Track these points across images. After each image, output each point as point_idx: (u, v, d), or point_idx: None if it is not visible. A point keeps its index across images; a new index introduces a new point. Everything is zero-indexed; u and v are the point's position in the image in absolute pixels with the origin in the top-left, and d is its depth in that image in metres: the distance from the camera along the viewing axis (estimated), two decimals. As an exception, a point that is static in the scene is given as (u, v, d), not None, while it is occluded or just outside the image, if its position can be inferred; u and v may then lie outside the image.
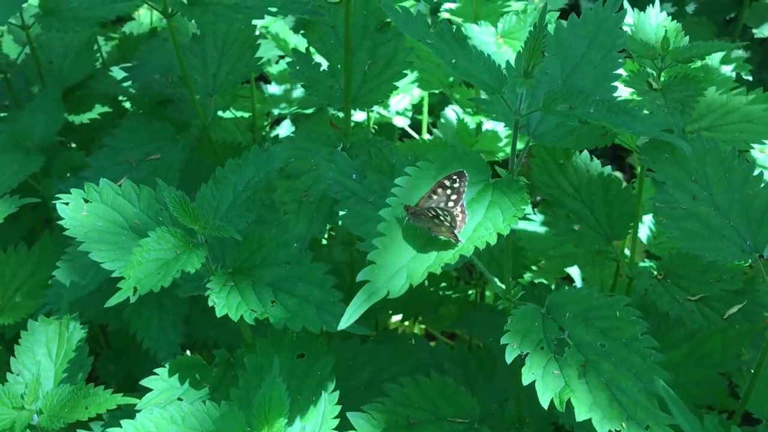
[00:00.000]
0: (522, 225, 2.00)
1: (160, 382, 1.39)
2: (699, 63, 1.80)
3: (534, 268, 2.09)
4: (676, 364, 1.39)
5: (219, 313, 1.26)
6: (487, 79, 1.04)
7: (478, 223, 1.04)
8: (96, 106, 2.39)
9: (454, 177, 1.05)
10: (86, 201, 1.38)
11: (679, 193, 1.32)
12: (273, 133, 2.37)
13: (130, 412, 1.34)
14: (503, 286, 1.24)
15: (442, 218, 1.01)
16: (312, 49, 1.65)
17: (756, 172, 1.30)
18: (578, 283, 2.13)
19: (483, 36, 1.77)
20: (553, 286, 2.01)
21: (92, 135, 2.42)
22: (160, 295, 1.64)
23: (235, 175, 1.35)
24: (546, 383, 1.08)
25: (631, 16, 1.68)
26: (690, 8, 2.76)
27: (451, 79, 2.05)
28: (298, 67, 1.61)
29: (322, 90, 1.59)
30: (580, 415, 1.06)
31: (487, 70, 1.04)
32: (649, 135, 1.00)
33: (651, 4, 1.67)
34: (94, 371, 1.94)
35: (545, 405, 1.07)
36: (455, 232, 1.02)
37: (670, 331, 1.44)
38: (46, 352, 1.44)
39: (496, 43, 1.79)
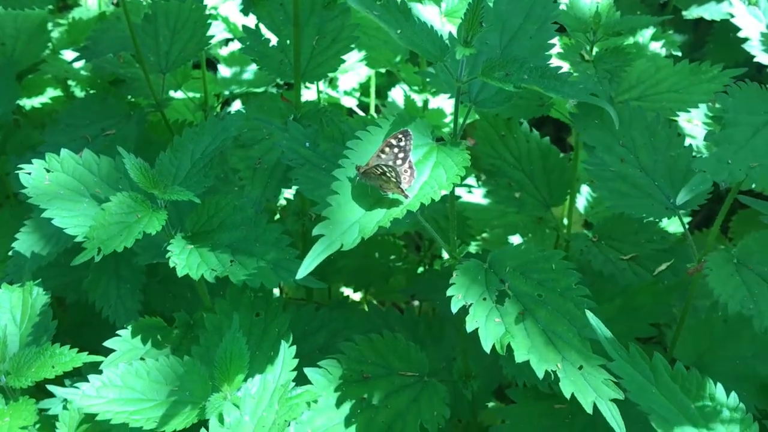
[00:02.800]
0: (467, 197, 2.09)
1: (123, 343, 1.44)
2: (631, 40, 1.91)
3: (478, 239, 2.18)
4: (610, 318, 1.48)
5: (180, 273, 1.32)
6: (430, 48, 1.12)
7: (424, 182, 1.12)
8: (47, 90, 2.42)
9: (399, 136, 1.13)
10: (48, 171, 1.43)
11: (608, 156, 1.42)
12: (224, 113, 2.42)
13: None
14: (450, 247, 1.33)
15: (388, 175, 1.08)
16: (261, 26, 1.71)
17: (677, 135, 1.41)
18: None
19: (427, 15, 1.85)
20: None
21: (43, 119, 2.45)
22: (117, 266, 1.71)
23: (192, 143, 1.42)
24: (488, 330, 1.17)
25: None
26: (625, -8, 2.87)
27: (398, 58, 2.12)
28: (248, 43, 1.67)
29: (273, 65, 1.65)
30: (519, 357, 1.14)
31: (431, 40, 1.12)
32: (576, 98, 1.09)
33: (586, -17, 1.77)
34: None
35: (487, 349, 1.16)
36: (403, 186, 1.10)
37: (604, 286, 1.54)
38: (10, 317, 1.48)
39: (439, 21, 1.86)
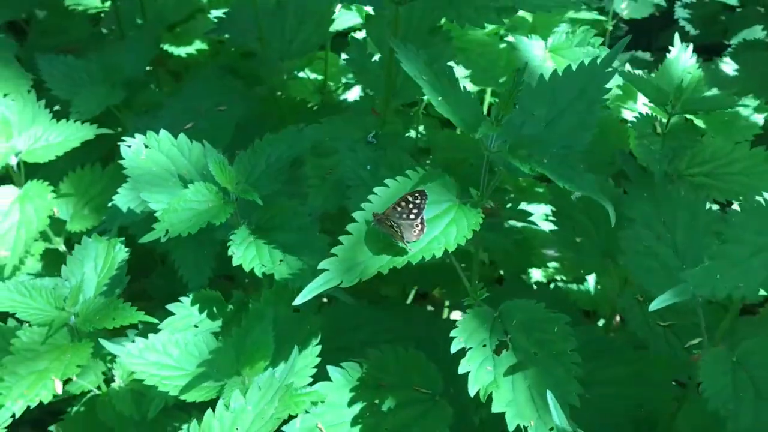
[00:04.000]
0: (542, 224, 2.17)
1: (183, 308, 1.62)
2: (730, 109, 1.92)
3: (550, 267, 2.25)
4: (622, 378, 1.56)
5: (235, 263, 1.49)
6: (467, 118, 1.22)
7: (433, 237, 1.23)
8: (195, 42, 2.62)
9: (416, 194, 1.25)
10: (146, 146, 1.62)
11: (645, 231, 1.48)
12: (342, 97, 2.57)
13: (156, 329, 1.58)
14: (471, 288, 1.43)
15: (396, 229, 1.21)
16: (369, 41, 1.84)
17: (717, 224, 1.45)
18: (591, 285, 2.28)
19: (532, 49, 1.92)
20: (575, 286, 2.19)
21: (187, 66, 2.67)
22: (199, 233, 1.90)
23: (270, 148, 1.57)
24: (478, 376, 1.28)
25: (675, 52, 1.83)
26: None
27: (502, 80, 2.20)
28: (353, 55, 1.80)
29: (370, 79, 1.78)
30: (496, 408, 1.24)
31: (470, 110, 1.22)
32: (585, 193, 1.16)
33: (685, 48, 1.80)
34: (145, 282, 2.21)
35: (472, 394, 1.26)
36: (408, 241, 1.23)
37: (626, 348, 1.61)
38: (93, 265, 1.69)
39: (543, 57, 1.93)
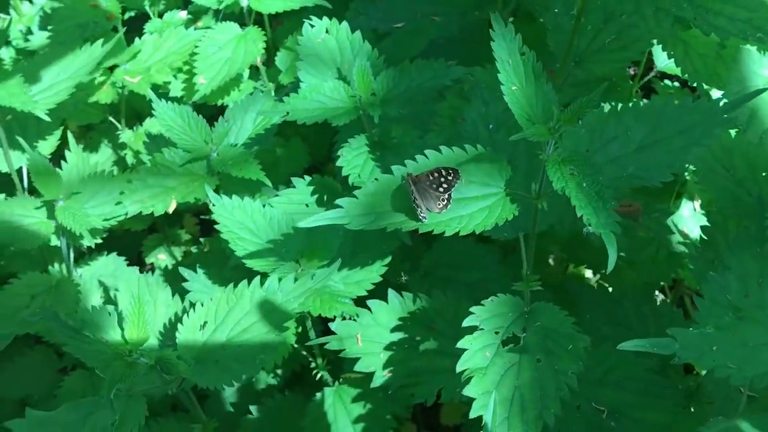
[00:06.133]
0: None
1: (302, 185, 1.74)
2: None
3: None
4: (653, 423, 1.48)
5: (338, 163, 1.58)
6: (533, 117, 1.17)
7: (457, 216, 1.23)
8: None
9: (451, 171, 1.25)
10: (327, 32, 1.72)
11: (736, 284, 1.33)
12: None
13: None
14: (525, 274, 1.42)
15: (416, 197, 1.23)
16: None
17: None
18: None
19: (752, 62, 1.76)
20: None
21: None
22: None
23: (416, 72, 1.62)
24: (472, 357, 1.28)
25: None
26: None
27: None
28: (555, 10, 1.75)
29: (558, 40, 1.72)
30: (468, 391, 1.25)
31: (542, 108, 1.18)
32: (600, 231, 1.09)
33: None
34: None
35: (458, 369, 1.28)
36: (431, 211, 1.24)
37: (671, 397, 1.52)
38: (253, 117, 1.85)
39: (761, 75, 1.76)
